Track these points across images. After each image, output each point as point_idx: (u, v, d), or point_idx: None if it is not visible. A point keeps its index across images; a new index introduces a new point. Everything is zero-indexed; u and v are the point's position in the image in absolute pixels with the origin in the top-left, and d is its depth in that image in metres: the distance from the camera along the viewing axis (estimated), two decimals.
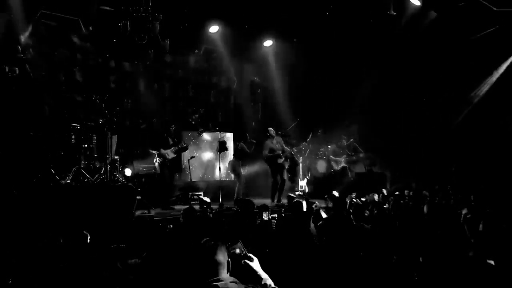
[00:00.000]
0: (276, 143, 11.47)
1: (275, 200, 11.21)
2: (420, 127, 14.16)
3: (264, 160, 11.69)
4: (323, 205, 9.38)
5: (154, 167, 11.01)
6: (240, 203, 7.54)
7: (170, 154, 10.33)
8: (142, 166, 11.52)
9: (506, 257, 4.50)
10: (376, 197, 9.99)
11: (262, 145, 11.56)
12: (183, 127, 12.38)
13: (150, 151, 10.55)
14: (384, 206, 8.44)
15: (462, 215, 6.46)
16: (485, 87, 13.50)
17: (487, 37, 12.63)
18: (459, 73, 13.37)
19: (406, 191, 11.19)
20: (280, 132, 12.32)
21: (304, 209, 6.95)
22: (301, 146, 14.14)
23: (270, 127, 11.74)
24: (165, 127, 10.77)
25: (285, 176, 11.62)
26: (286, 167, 11.72)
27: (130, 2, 9.64)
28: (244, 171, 12.74)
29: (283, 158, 11.40)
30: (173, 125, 10.78)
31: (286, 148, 11.68)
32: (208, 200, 9.10)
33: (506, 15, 11.71)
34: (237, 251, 4.89)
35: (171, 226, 7.03)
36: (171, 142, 10.47)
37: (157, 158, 10.28)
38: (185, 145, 10.81)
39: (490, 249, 4.94)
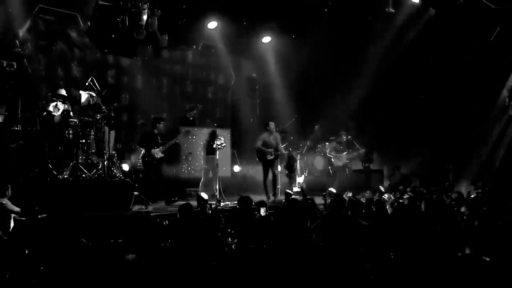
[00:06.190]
0: (272, 139, 11.13)
1: (271, 196, 10.99)
2: (418, 125, 14.15)
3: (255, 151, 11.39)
4: (321, 202, 9.34)
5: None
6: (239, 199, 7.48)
7: (158, 153, 10.19)
8: (139, 162, 11.44)
9: (503, 254, 4.51)
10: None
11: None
12: (181, 123, 12.32)
13: (139, 147, 10.53)
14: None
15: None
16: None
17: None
18: (457, 71, 13.38)
19: (400, 188, 11.21)
20: (278, 129, 12.10)
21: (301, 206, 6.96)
22: (300, 144, 14.11)
23: (272, 121, 11.44)
24: (154, 124, 10.47)
25: (276, 170, 11.32)
26: (277, 164, 11.51)
27: None
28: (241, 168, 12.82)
29: (273, 156, 11.03)
30: (163, 122, 10.53)
31: (281, 146, 11.42)
32: (206, 196, 8.97)
33: (504, 12, 11.75)
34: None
35: (167, 222, 7.02)
36: (160, 141, 10.31)
37: (146, 157, 10.16)
38: (177, 141, 10.60)
39: (486, 246, 4.97)
